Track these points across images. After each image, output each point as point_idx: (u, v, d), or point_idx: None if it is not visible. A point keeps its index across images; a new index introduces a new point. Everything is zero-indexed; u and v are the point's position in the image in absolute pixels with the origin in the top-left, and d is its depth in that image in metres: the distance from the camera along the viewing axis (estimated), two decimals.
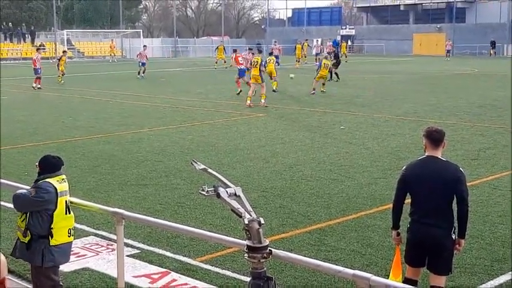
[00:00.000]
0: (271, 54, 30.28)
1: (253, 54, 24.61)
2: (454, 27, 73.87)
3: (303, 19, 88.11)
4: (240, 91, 25.68)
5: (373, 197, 9.70)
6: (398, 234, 5.61)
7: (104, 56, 65.96)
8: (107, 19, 79.86)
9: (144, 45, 43.75)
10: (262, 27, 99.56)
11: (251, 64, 23.48)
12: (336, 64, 33.82)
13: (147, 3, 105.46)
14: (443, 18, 79.93)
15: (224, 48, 49.15)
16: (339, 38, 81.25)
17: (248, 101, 21.83)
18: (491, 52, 66.77)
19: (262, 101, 21.89)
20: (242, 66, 27.37)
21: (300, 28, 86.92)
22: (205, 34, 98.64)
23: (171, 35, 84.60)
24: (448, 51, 61.31)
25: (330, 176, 11.15)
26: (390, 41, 76.82)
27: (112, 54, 61.22)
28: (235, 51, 33.49)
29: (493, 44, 67.16)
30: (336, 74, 32.95)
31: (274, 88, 26.81)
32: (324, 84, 27.21)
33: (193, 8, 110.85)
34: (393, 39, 77.14)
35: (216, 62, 47.49)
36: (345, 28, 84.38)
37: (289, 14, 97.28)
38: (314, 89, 26.07)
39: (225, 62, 46.04)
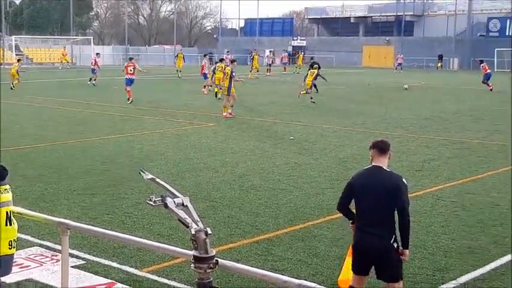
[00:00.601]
0: (221, 61, 31.08)
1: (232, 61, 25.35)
2: (402, 40, 75.48)
3: (255, 29, 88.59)
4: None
5: (320, 207, 9.82)
6: (353, 223, 5.73)
7: (53, 62, 64.91)
8: (57, 25, 78.72)
9: (97, 53, 43.38)
10: (215, 36, 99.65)
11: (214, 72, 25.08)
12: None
13: (99, 10, 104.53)
14: (392, 31, 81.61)
15: (184, 57, 49.01)
16: (290, 48, 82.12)
17: (225, 113, 21.77)
18: (439, 65, 68.37)
19: (224, 113, 21.76)
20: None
21: (252, 38, 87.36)
22: (157, 42, 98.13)
23: (122, 43, 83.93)
24: (400, 64, 62.52)
25: (279, 186, 11.25)
26: (340, 53, 77.89)
27: (63, 61, 60.35)
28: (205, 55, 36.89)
29: (440, 57, 68.81)
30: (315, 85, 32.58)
31: (219, 96, 27.90)
32: (306, 92, 28.16)
33: (145, 15, 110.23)
34: (343, 51, 78.28)
35: (179, 71, 46.82)
36: (296, 39, 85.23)
37: (242, 24, 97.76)
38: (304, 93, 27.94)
39: (180, 71, 46.06)
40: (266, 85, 39.44)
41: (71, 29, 72.36)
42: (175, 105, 25.56)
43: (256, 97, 29.75)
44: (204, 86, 31.68)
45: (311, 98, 27.21)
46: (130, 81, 26.94)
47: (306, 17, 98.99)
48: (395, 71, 60.67)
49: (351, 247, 5.76)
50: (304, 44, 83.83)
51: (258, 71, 49.31)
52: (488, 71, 37.02)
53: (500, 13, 76.06)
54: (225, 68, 24.70)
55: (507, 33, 69.25)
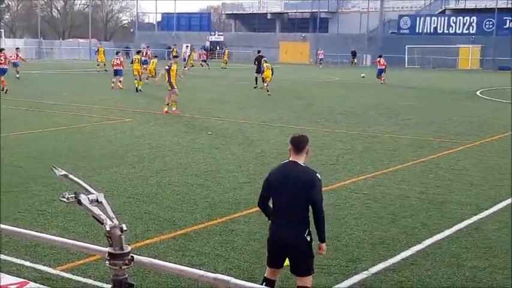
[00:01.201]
0: (138, 53, 32.76)
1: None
2: (318, 37, 76.85)
3: (173, 24, 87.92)
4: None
5: (237, 202, 9.91)
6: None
7: None
8: None
9: (17, 48, 42.17)
10: (131, 30, 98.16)
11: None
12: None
13: (10, 2, 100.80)
14: (307, 28, 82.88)
15: (104, 51, 48.48)
16: (208, 43, 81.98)
17: (165, 108, 21.35)
18: (353, 61, 70.02)
19: (165, 109, 21.35)
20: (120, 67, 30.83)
21: (169, 33, 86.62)
22: (72, 36, 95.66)
23: (35, 36, 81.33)
24: (321, 59, 64.30)
25: (196, 182, 11.26)
26: (258, 48, 78.41)
27: None
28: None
29: (353, 54, 70.48)
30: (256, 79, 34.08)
31: (139, 88, 29.24)
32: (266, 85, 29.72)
33: (59, 8, 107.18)
34: (260, 47, 78.78)
35: (98, 65, 46.81)
36: (214, 34, 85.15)
37: (159, 19, 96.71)
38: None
39: (104, 64, 45.78)
40: (189, 81, 39.31)
41: None
42: (90, 100, 25.07)
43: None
44: (120, 81, 31.26)
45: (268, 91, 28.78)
46: (2, 71, 28.71)
47: (223, 12, 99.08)
48: (320, 66, 62.07)
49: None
50: (222, 40, 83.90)
51: (192, 66, 48.84)
52: (382, 66, 39.81)
53: (411, 11, 78.65)
54: (150, 63, 25.18)
55: (417, 31, 71.71)
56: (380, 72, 39.72)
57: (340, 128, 18.54)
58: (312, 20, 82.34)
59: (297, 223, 5.50)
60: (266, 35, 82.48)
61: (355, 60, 69.54)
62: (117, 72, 31.04)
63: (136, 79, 29.76)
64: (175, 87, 21.29)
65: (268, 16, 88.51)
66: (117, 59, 31.51)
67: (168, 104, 21.48)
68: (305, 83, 39.28)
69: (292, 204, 5.50)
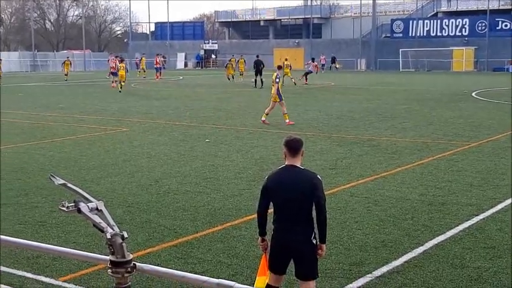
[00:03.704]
0: (122, 61, 38.60)
1: (122, 60, 32.01)
2: (312, 43, 77.00)
3: (166, 33, 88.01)
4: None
5: (238, 208, 9.87)
6: (263, 240, 5.74)
7: None
8: None
9: None
10: (125, 40, 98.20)
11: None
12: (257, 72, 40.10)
13: (3, 16, 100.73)
14: (301, 34, 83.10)
15: (71, 63, 52.82)
16: (202, 52, 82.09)
17: (287, 120, 20.52)
18: (336, 66, 69.23)
19: (287, 120, 20.52)
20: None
21: (163, 42, 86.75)
22: (66, 48, 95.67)
23: (29, 49, 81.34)
24: (323, 65, 64.53)
25: (196, 189, 11.22)
26: (252, 56, 78.44)
27: None
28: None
29: (333, 60, 69.86)
30: (255, 81, 39.61)
31: (120, 89, 35.23)
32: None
33: (52, 20, 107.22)
34: (255, 54, 78.90)
35: (66, 74, 49.35)
36: (208, 43, 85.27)
37: (152, 28, 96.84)
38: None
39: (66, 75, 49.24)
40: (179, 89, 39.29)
41: None
42: (87, 111, 25.02)
43: (167, 101, 29.56)
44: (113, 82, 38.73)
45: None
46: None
47: (216, 20, 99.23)
48: (323, 71, 62.27)
49: (264, 255, 5.74)
50: (216, 48, 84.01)
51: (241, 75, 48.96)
52: (310, 68, 46.44)
53: (404, 14, 78.94)
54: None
55: (410, 34, 71.94)
56: (308, 73, 44.80)
57: (338, 133, 18.53)
58: (305, 26, 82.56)
59: (302, 226, 5.45)
60: (260, 42, 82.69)
61: (337, 65, 69.16)
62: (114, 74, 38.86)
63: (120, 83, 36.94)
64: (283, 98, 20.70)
65: (262, 23, 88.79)
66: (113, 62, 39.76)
67: (267, 114, 20.74)
68: (300, 88, 39.28)
69: (296, 207, 5.45)
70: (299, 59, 74.97)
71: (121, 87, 36.36)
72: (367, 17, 75.30)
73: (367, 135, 17.92)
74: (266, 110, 20.94)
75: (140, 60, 58.78)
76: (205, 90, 37.80)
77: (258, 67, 39.79)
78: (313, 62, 49.18)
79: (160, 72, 51.68)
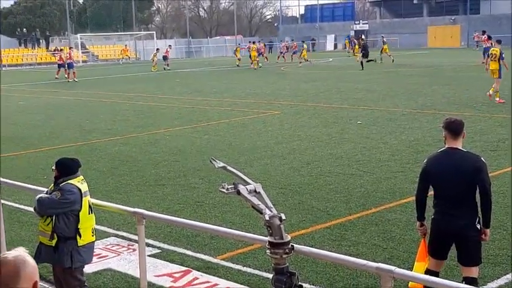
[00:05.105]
0: (253, 43, 42.86)
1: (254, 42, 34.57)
2: (469, 19, 73.36)
3: (316, 15, 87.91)
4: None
5: (392, 191, 9.64)
6: (422, 225, 5.56)
7: (118, 58, 66.30)
8: (120, 22, 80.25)
9: (169, 45, 51.36)
10: (275, 24, 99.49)
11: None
12: (365, 55, 39.48)
13: (160, 5, 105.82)
14: (457, 10, 79.37)
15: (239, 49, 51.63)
16: (352, 33, 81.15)
17: (497, 98, 19.94)
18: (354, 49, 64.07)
19: (497, 99, 19.94)
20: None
21: (313, 24, 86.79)
22: (218, 34, 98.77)
23: (184, 36, 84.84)
24: (477, 42, 61.17)
25: (349, 171, 11.11)
26: (404, 35, 76.41)
27: (124, 56, 61.86)
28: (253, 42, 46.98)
29: (498, 42, 65.97)
30: (361, 63, 38.52)
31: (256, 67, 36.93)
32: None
33: (205, 8, 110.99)
34: (407, 33, 76.78)
35: (239, 59, 48.98)
36: (358, 23, 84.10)
37: (302, 11, 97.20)
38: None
39: (239, 59, 48.62)
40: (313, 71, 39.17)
41: (133, 24, 73.65)
42: (239, 95, 25.64)
43: (315, 83, 29.54)
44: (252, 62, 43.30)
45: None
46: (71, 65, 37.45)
47: (367, 0, 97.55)
48: (477, 49, 59.18)
49: (423, 240, 5.55)
50: (367, 28, 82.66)
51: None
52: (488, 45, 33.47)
53: None
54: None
55: None
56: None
57: (499, 113, 17.50)
58: (462, 2, 78.70)
59: (467, 211, 5.22)
60: (413, 20, 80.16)
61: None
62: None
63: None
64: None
65: (415, 1, 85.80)
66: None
67: (497, 91, 20.29)
68: (455, 67, 37.64)
69: (460, 191, 5.21)
70: (455, 36, 71.86)
71: (256, 66, 42.55)
72: None
73: None
74: (495, 88, 20.16)
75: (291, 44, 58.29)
76: (353, 72, 37.34)
77: (366, 49, 40.65)
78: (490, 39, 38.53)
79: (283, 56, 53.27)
